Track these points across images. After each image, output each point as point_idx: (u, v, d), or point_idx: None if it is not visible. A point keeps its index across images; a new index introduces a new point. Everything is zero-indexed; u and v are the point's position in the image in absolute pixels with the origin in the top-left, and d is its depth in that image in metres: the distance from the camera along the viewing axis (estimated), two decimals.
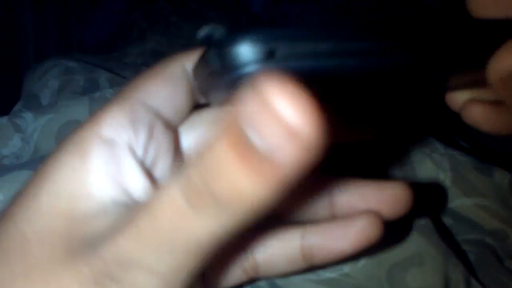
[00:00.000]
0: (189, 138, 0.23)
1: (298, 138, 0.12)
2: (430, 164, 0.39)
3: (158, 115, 0.20)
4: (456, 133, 0.48)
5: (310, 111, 0.12)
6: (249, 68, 0.17)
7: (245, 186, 0.13)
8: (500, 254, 0.36)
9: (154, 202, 0.15)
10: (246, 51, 0.17)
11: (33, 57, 1.05)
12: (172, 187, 0.15)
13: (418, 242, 0.32)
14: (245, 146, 0.13)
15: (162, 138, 0.21)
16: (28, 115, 0.45)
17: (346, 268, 0.31)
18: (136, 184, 0.19)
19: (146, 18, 1.06)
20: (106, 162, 0.18)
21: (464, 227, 0.38)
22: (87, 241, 0.16)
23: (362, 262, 0.31)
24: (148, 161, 0.20)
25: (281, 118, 0.12)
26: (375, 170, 0.41)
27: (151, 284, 0.15)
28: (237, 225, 0.15)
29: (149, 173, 0.20)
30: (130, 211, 0.17)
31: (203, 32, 0.19)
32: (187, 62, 0.21)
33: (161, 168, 0.21)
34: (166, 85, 0.21)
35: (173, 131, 0.22)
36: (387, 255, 0.32)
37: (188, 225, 0.15)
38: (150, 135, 0.20)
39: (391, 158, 0.41)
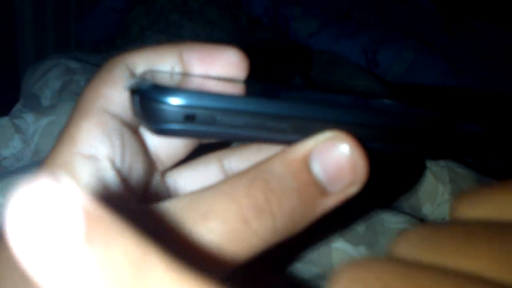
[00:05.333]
0: (152, 138, 0.23)
1: (357, 173, 0.17)
2: (429, 176, 0.39)
3: (122, 121, 0.21)
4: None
5: (364, 155, 0.17)
6: (167, 126, 0.18)
7: (302, 211, 0.17)
8: None
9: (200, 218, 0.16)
10: (166, 111, 0.17)
11: (31, 54, 1.04)
12: (227, 201, 0.17)
13: None
14: (310, 180, 0.17)
15: (132, 144, 0.21)
16: (29, 116, 0.45)
17: None
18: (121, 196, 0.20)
19: (146, 16, 1.06)
20: (94, 178, 0.19)
21: None
22: None
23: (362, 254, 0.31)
24: (125, 169, 0.21)
25: (347, 159, 0.17)
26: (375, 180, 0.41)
27: None
28: (277, 242, 0.17)
29: (125, 179, 0.21)
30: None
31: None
32: (131, 62, 0.21)
33: (137, 171, 0.21)
34: (119, 88, 0.21)
35: (136, 133, 0.22)
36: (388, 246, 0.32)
37: (237, 240, 0.16)
38: (123, 143, 0.20)
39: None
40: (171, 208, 0.17)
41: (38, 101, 0.52)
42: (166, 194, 0.24)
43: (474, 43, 1.07)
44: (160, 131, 0.18)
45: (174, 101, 0.17)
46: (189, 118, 0.17)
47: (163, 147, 0.23)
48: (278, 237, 0.17)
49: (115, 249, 0.10)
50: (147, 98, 0.18)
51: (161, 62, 0.22)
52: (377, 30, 1.04)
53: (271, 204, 0.16)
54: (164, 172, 0.25)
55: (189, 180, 0.25)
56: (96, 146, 0.19)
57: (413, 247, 0.13)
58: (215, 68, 0.22)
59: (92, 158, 0.19)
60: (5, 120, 0.45)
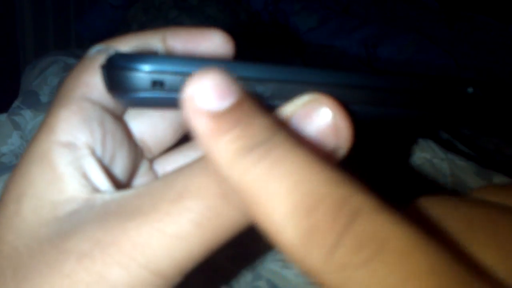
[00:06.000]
0: (138, 125, 0.23)
1: (341, 137, 0.16)
2: (430, 169, 0.39)
3: (104, 108, 0.20)
4: (455, 136, 0.48)
5: (347, 118, 0.16)
6: (136, 95, 0.17)
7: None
8: None
9: None
10: (133, 78, 0.16)
11: (31, 51, 1.04)
12: (203, 177, 0.16)
13: None
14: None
15: (114, 130, 0.21)
16: (27, 113, 0.45)
17: None
18: (100, 181, 0.19)
19: (145, 12, 1.05)
20: (72, 166, 0.18)
21: None
22: (78, 235, 0.17)
23: None
24: (107, 155, 0.20)
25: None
26: (376, 175, 0.41)
27: None
28: None
29: (106, 167, 0.20)
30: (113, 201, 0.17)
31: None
32: (115, 48, 0.21)
33: (121, 159, 0.21)
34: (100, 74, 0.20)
35: (120, 120, 0.22)
36: None
37: (218, 217, 0.16)
38: (104, 130, 0.20)
39: (391, 163, 0.41)
40: (148, 190, 0.17)
41: (37, 98, 0.52)
42: None
43: (474, 37, 1.07)
44: (130, 101, 0.17)
45: (140, 66, 0.16)
46: (157, 84, 0.16)
47: (150, 134, 0.23)
48: None
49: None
50: (112, 67, 0.17)
51: (145, 47, 0.21)
52: (377, 24, 1.04)
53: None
54: (152, 160, 0.24)
55: (178, 167, 0.24)
56: (75, 134, 0.19)
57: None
58: (199, 50, 0.21)
59: (70, 146, 0.19)
60: (3, 117, 0.44)
